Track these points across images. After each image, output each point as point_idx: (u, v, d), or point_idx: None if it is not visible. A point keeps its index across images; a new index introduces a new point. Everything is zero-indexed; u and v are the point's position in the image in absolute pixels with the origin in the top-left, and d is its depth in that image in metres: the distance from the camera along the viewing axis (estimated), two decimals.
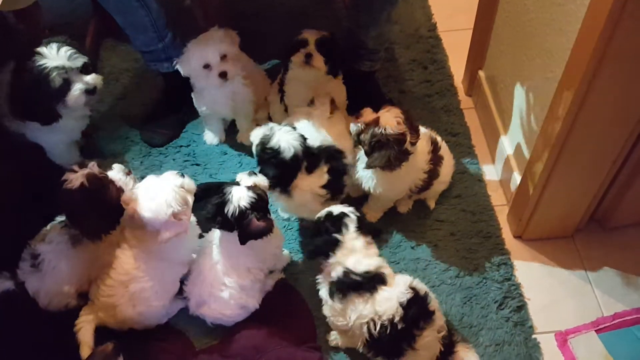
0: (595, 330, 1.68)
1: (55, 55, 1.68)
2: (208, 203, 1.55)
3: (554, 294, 1.76)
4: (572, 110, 1.45)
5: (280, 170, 1.62)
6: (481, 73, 2.12)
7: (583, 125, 1.48)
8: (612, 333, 1.67)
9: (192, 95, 1.99)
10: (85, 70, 1.74)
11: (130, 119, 2.20)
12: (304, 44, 1.83)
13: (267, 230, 1.52)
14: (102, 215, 1.54)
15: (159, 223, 1.47)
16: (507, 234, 1.88)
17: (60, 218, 1.65)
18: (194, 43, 1.83)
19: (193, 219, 1.63)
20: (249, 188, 1.51)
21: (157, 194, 1.47)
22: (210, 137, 2.13)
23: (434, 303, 1.51)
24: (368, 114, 1.66)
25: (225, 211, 1.49)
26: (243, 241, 1.51)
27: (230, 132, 2.14)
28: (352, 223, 1.51)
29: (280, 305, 1.74)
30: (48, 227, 1.66)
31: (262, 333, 1.65)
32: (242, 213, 1.48)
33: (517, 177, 1.83)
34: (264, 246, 1.58)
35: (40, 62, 1.67)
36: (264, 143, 1.63)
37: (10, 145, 1.86)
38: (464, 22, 2.25)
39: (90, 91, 1.74)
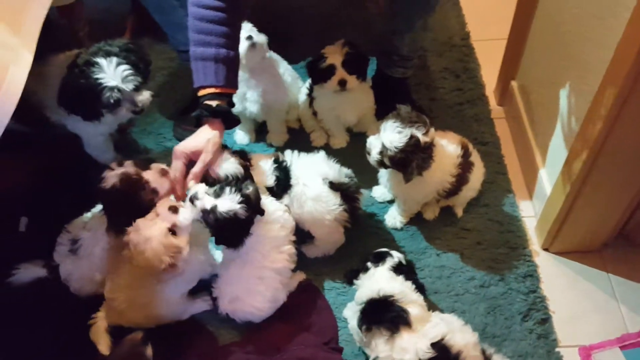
0: (620, 347, 1.66)
1: (112, 73, 1.68)
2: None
3: (580, 308, 1.75)
4: (606, 125, 1.44)
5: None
6: (514, 83, 2.12)
7: (617, 139, 1.47)
8: (637, 350, 1.65)
9: None
10: (137, 88, 1.75)
11: (164, 116, 2.25)
12: (332, 70, 1.87)
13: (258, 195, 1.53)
14: (132, 214, 1.53)
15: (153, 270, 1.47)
16: (534, 245, 1.87)
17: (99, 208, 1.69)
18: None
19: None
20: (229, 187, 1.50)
21: (145, 247, 1.44)
22: (241, 137, 2.15)
23: None
24: (375, 143, 1.69)
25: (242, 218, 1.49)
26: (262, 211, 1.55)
27: (261, 132, 2.17)
28: (390, 262, 1.55)
29: (302, 305, 1.75)
30: (89, 214, 1.70)
31: (284, 332, 1.67)
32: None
33: (547, 189, 1.83)
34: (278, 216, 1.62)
35: (97, 76, 1.68)
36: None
37: (49, 136, 1.91)
38: (498, 32, 2.25)
39: (137, 112, 1.78)
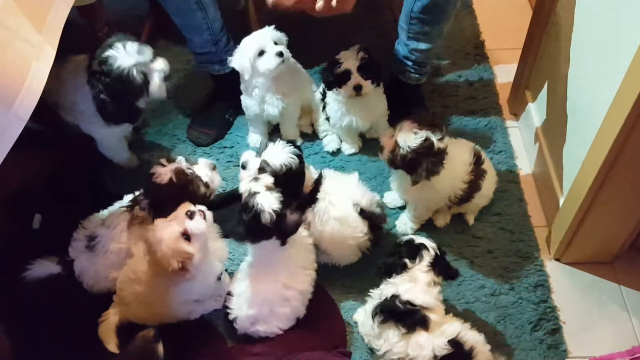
0: (631, 359, 1.65)
1: (125, 54, 1.68)
2: (236, 224, 1.54)
3: (590, 319, 1.74)
4: (621, 136, 1.44)
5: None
6: (527, 93, 2.12)
7: (631, 150, 1.47)
8: None
9: (242, 97, 2.03)
10: (151, 59, 1.75)
11: (178, 118, 2.26)
12: (347, 75, 1.88)
13: (301, 219, 1.54)
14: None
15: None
16: (545, 255, 1.86)
17: (119, 204, 1.72)
18: (248, 38, 1.88)
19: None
20: (269, 190, 1.52)
21: (156, 247, 1.46)
22: (254, 140, 2.16)
23: (480, 357, 1.45)
24: (387, 140, 1.69)
25: (263, 222, 1.48)
26: (284, 240, 1.53)
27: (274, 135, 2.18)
28: (428, 257, 1.50)
29: (312, 309, 1.74)
30: (106, 212, 1.71)
31: (293, 335, 1.67)
32: (279, 215, 1.49)
33: (559, 199, 1.82)
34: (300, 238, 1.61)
35: (117, 64, 1.67)
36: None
37: (64, 134, 1.92)
38: (513, 41, 2.25)
39: (166, 77, 1.77)
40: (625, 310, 1.75)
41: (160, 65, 1.76)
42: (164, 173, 1.56)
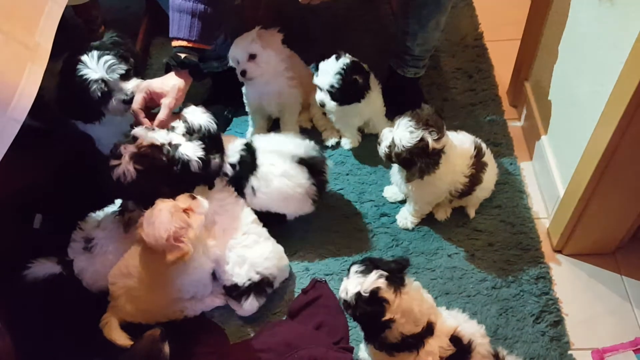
0: (634, 350, 1.64)
1: (95, 66, 1.68)
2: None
3: (593, 311, 1.73)
4: (621, 127, 1.43)
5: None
6: (527, 84, 2.11)
7: (631, 141, 1.46)
8: None
9: (243, 87, 2.04)
10: (126, 77, 1.74)
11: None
12: None
13: (222, 162, 1.66)
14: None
15: (160, 246, 1.48)
16: (546, 247, 1.86)
17: (112, 208, 1.72)
18: (235, 41, 1.89)
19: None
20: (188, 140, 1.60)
21: (155, 217, 1.47)
22: (252, 133, 2.16)
23: (479, 349, 1.42)
24: (387, 136, 1.69)
25: (193, 170, 1.57)
26: (212, 184, 1.65)
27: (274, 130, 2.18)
28: (387, 293, 1.32)
29: (313, 305, 1.75)
30: (101, 214, 1.71)
31: (295, 330, 1.67)
32: (205, 161, 1.58)
33: (560, 191, 1.81)
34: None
35: (82, 72, 1.68)
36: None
37: (64, 133, 1.92)
38: (512, 32, 2.24)
39: (127, 101, 1.74)
40: (627, 301, 1.75)
41: (128, 87, 1.74)
42: (122, 166, 1.51)
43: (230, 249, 1.67)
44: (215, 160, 1.63)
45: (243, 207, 1.74)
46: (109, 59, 1.70)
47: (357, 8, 2.56)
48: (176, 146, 1.56)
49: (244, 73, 1.87)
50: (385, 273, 1.32)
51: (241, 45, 1.86)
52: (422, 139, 1.60)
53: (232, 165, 1.73)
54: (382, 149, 1.70)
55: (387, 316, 1.32)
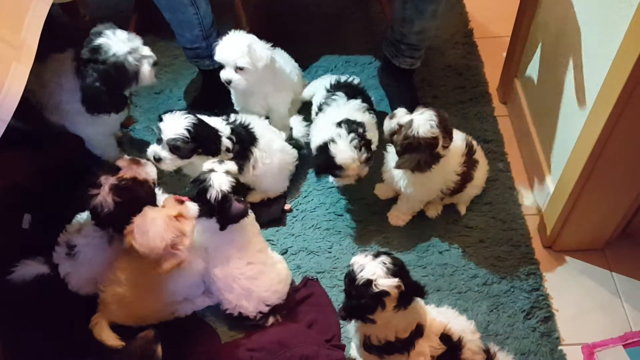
0: (623, 345, 1.65)
1: (118, 42, 1.66)
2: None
3: (583, 307, 1.74)
4: (610, 122, 1.44)
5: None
6: (517, 81, 2.11)
7: (620, 136, 1.47)
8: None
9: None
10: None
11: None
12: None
13: (247, 211, 1.57)
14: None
15: (154, 256, 1.46)
16: (537, 243, 1.86)
17: None
18: (221, 42, 1.85)
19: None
20: (226, 173, 1.56)
21: (149, 227, 1.44)
22: None
23: (470, 345, 1.44)
24: (402, 115, 1.67)
25: (208, 197, 1.51)
26: (224, 225, 1.56)
27: None
28: (391, 303, 1.32)
29: (305, 303, 1.76)
30: (84, 219, 1.66)
31: (287, 329, 1.67)
32: (225, 197, 1.52)
33: (550, 187, 1.82)
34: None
35: (112, 52, 1.66)
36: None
37: (53, 133, 1.91)
38: (501, 29, 2.25)
39: (154, 63, 1.75)
40: (617, 296, 1.76)
41: (148, 52, 1.74)
42: (100, 196, 1.48)
43: (234, 280, 1.62)
44: (239, 204, 1.55)
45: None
46: (121, 32, 1.69)
47: (347, 6, 2.55)
48: (210, 171, 1.56)
49: (229, 82, 1.85)
50: (402, 286, 1.31)
51: (231, 55, 1.81)
52: (437, 137, 1.60)
53: (230, 139, 1.75)
54: (392, 125, 1.67)
55: (374, 317, 1.33)
